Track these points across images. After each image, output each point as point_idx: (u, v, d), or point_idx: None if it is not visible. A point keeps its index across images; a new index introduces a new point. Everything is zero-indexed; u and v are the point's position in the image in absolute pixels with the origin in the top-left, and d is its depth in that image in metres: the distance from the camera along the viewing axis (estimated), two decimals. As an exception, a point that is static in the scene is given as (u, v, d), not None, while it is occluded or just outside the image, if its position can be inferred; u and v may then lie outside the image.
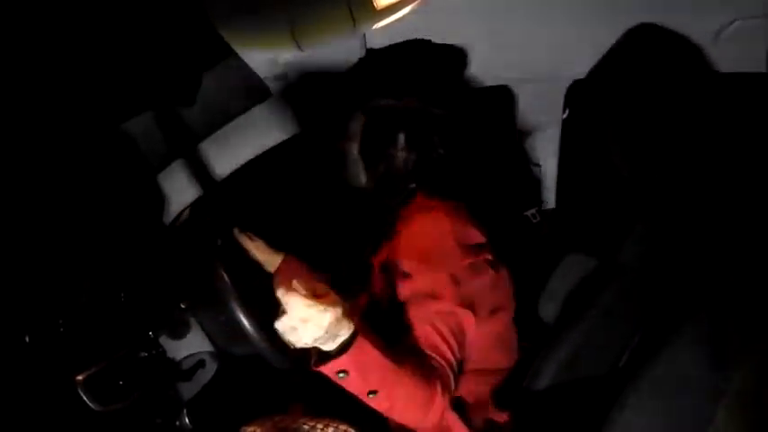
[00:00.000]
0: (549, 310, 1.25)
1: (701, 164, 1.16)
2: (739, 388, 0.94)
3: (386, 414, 0.96)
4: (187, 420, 1.31)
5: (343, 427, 1.11)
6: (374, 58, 1.23)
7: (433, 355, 0.95)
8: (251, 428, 1.09)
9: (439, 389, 0.92)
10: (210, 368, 1.31)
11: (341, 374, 0.86)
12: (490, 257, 1.06)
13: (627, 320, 1.09)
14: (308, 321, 0.78)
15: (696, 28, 1.11)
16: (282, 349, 1.19)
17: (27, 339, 1.07)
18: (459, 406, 1.05)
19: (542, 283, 1.26)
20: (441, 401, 0.92)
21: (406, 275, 1.02)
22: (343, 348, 0.83)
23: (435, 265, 0.99)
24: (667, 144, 1.14)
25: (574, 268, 1.22)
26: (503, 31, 1.20)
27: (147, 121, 1.28)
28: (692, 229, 1.14)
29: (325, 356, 0.85)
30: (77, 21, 0.94)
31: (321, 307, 0.78)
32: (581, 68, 1.25)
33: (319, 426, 1.11)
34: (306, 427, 1.10)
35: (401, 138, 1.13)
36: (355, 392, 0.89)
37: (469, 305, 1.00)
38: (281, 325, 0.80)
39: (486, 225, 1.10)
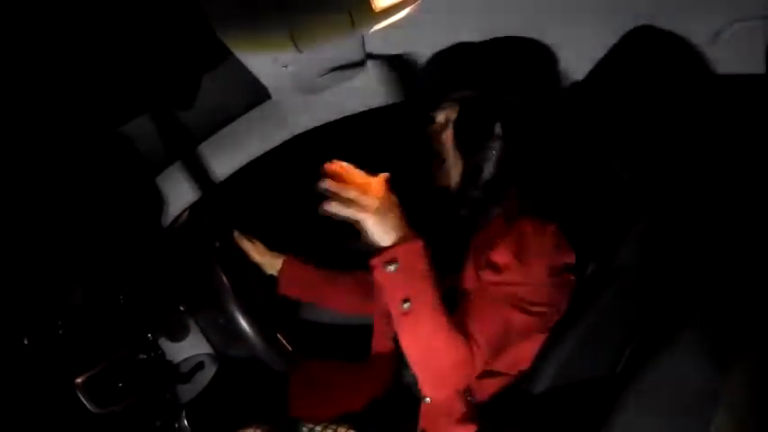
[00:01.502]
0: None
1: (700, 166, 1.16)
2: (738, 389, 0.94)
3: (409, 349, 0.95)
4: (186, 422, 1.31)
5: (342, 429, 1.12)
6: (454, 51, 1.21)
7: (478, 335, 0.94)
8: (251, 430, 1.09)
9: (463, 354, 0.92)
10: (209, 370, 1.31)
11: (390, 266, 0.89)
12: (572, 277, 1.06)
13: (626, 322, 1.09)
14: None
15: (695, 29, 1.11)
16: (280, 351, 1.20)
17: (26, 341, 1.07)
18: (478, 407, 1.06)
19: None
20: (471, 364, 0.92)
21: (493, 266, 1.00)
22: (400, 241, 0.89)
23: (525, 272, 0.98)
24: (666, 146, 1.14)
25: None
26: (502, 33, 1.20)
27: (145, 124, 1.28)
28: (691, 230, 1.14)
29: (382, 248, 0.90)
30: (77, 22, 0.94)
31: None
32: (579, 70, 1.25)
33: (318, 428, 1.11)
34: (305, 429, 1.10)
35: (498, 128, 1.10)
36: (391, 299, 0.92)
37: (540, 317, 1.00)
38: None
39: None
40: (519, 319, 0.97)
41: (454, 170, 1.14)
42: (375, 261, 0.91)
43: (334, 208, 0.87)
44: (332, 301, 1.47)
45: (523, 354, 1.06)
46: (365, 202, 0.87)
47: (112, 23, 0.98)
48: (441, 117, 1.16)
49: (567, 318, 1.10)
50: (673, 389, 0.94)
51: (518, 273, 0.98)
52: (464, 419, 1.05)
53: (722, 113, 1.17)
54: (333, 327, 1.70)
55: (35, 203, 1.14)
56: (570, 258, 1.04)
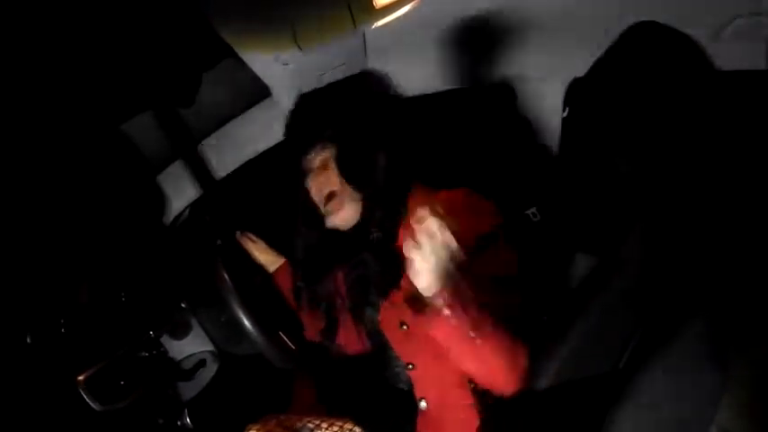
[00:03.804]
0: (549, 307, 1.25)
1: (701, 162, 1.15)
2: (740, 387, 0.94)
3: (473, 368, 0.94)
4: (188, 420, 1.32)
5: (348, 425, 1.12)
6: (315, 95, 1.26)
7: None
8: (256, 426, 1.09)
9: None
10: (211, 368, 1.32)
11: (446, 308, 0.85)
12: (502, 233, 1.04)
13: (628, 319, 1.09)
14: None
15: (696, 25, 1.10)
16: (283, 348, 1.20)
17: (28, 339, 1.08)
18: (483, 402, 1.06)
19: (543, 281, 1.26)
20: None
21: None
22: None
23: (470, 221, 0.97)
24: (667, 142, 1.14)
25: (574, 266, 1.22)
26: (502, 29, 1.19)
27: (146, 122, 1.28)
28: (693, 227, 1.14)
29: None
30: (78, 22, 0.94)
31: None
32: (581, 66, 1.25)
33: (324, 425, 1.11)
34: (310, 425, 1.10)
35: (381, 156, 1.13)
36: (456, 333, 0.88)
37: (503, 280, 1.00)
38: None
39: None
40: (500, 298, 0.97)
41: (354, 204, 1.15)
42: (435, 306, 0.86)
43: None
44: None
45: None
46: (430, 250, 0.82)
47: (113, 23, 0.98)
48: (316, 162, 1.18)
49: (568, 316, 1.10)
50: (675, 387, 0.94)
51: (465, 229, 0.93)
52: (466, 421, 1.05)
53: (723, 109, 1.17)
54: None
55: (37, 202, 1.14)
56: (492, 209, 1.04)
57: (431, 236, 0.81)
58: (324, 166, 1.18)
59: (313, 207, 1.21)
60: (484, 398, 1.06)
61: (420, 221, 0.81)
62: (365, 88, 1.28)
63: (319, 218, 1.20)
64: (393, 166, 1.13)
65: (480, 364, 0.93)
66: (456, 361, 0.94)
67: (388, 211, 1.12)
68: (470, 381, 1.05)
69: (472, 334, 0.88)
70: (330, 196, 1.16)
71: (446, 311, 0.85)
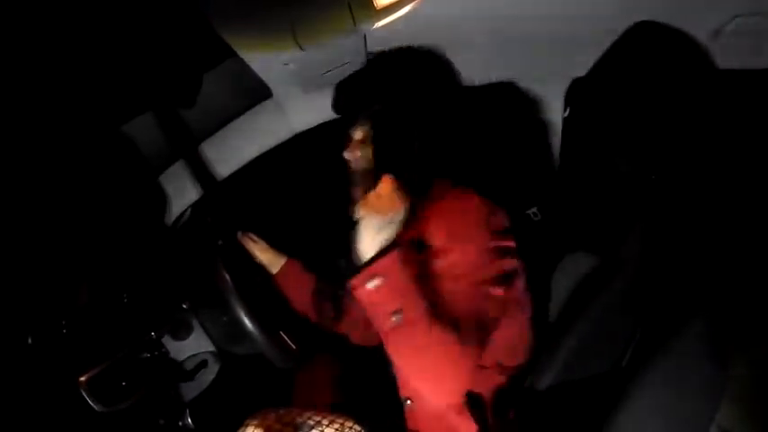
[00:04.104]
0: (551, 308, 1.25)
1: (701, 161, 1.16)
2: (740, 387, 0.95)
3: (404, 365, 0.95)
4: (190, 420, 1.32)
5: (348, 423, 1.12)
6: (371, 65, 1.24)
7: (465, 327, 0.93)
8: (255, 421, 1.09)
9: (471, 352, 0.91)
10: (213, 368, 1.31)
11: (371, 282, 0.91)
12: (513, 246, 1.04)
13: (628, 319, 1.09)
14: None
15: (696, 24, 1.11)
16: (284, 348, 1.20)
17: (30, 340, 1.08)
18: (476, 404, 1.05)
19: (544, 281, 1.26)
20: (472, 366, 0.91)
21: (436, 251, 1.00)
22: (383, 252, 0.92)
23: (464, 241, 0.97)
24: (668, 142, 1.14)
25: (575, 266, 1.22)
26: (503, 30, 1.20)
27: (148, 123, 1.28)
28: (693, 226, 1.14)
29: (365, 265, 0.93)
30: (79, 22, 0.94)
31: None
32: (581, 66, 1.25)
33: (324, 421, 1.11)
34: (311, 422, 1.11)
35: (415, 139, 1.12)
36: (380, 313, 0.92)
37: (495, 285, 0.98)
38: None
39: None
40: (492, 303, 0.96)
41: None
42: (355, 282, 0.92)
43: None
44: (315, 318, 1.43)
45: (506, 336, 1.04)
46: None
47: (114, 23, 0.98)
48: (358, 134, 1.17)
49: (570, 315, 1.10)
50: (675, 386, 0.94)
51: (459, 251, 0.97)
52: (457, 414, 1.05)
53: (723, 109, 1.17)
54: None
55: (38, 203, 1.14)
56: (505, 222, 1.03)
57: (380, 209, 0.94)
58: (363, 140, 1.16)
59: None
60: (474, 399, 1.06)
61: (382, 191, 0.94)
62: (426, 72, 1.25)
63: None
64: (424, 158, 1.12)
65: (410, 357, 0.93)
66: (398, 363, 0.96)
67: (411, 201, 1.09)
68: None
69: (395, 316, 0.90)
70: (363, 174, 1.15)
71: (372, 284, 0.91)
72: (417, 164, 1.11)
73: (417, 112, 1.14)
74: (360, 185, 1.15)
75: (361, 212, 0.96)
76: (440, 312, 0.91)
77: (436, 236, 1.00)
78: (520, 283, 1.06)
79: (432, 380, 0.91)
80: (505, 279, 1.00)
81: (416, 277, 0.92)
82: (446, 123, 1.17)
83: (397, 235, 0.99)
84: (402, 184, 0.99)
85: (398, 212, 0.96)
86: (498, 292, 0.97)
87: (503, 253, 1.01)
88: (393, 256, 0.92)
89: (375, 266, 0.91)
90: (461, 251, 0.97)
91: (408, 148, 1.12)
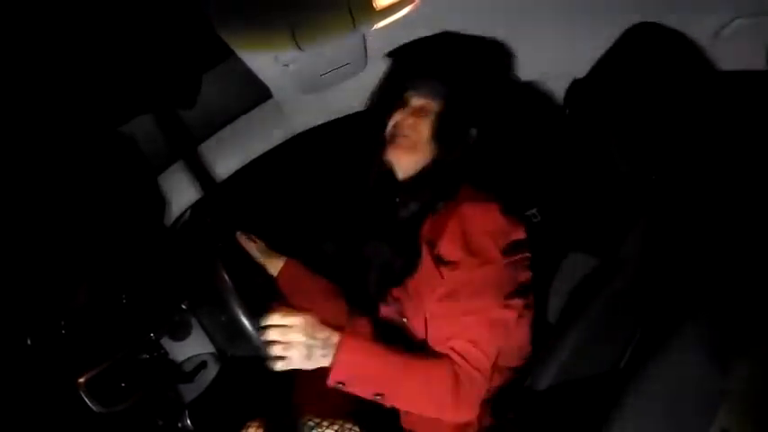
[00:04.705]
0: (551, 308, 1.25)
1: (701, 162, 1.15)
2: (740, 387, 0.94)
3: (407, 414, 1.04)
4: (189, 422, 1.31)
5: (348, 424, 1.12)
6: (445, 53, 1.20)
7: (456, 354, 0.96)
8: (255, 424, 1.09)
9: (451, 385, 0.93)
10: (212, 369, 1.31)
11: (339, 385, 0.97)
12: (528, 254, 1.05)
13: (628, 320, 1.09)
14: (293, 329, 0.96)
15: (696, 26, 1.11)
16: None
17: (29, 341, 1.07)
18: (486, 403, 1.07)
19: (544, 281, 1.26)
20: (461, 398, 0.94)
21: (448, 263, 1.00)
22: (334, 360, 0.96)
23: (479, 257, 0.97)
24: (667, 143, 1.14)
25: (574, 267, 1.22)
26: (502, 30, 1.20)
27: (147, 123, 1.28)
28: (693, 227, 1.14)
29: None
30: (79, 23, 0.94)
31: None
32: (581, 67, 1.25)
33: (324, 423, 1.11)
34: (311, 423, 1.10)
35: (473, 132, 1.12)
36: (365, 397, 0.97)
37: (509, 304, 0.99)
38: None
39: None
40: (497, 316, 0.97)
41: (422, 154, 1.12)
42: (330, 384, 0.97)
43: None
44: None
45: (515, 342, 1.06)
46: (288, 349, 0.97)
47: (114, 24, 0.98)
48: (418, 102, 1.14)
49: (570, 316, 1.10)
50: (675, 387, 0.94)
51: (472, 265, 0.97)
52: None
53: (723, 109, 1.17)
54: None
55: (37, 203, 1.14)
56: (520, 234, 1.03)
57: (283, 333, 0.96)
58: (422, 110, 1.13)
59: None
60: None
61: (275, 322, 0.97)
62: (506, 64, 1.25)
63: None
64: (474, 148, 1.12)
65: (410, 410, 1.02)
66: None
67: (437, 190, 1.09)
68: None
69: (378, 397, 0.96)
70: (407, 135, 1.12)
71: (342, 386, 0.97)
72: (468, 153, 1.11)
73: (485, 100, 1.13)
74: (399, 143, 1.12)
75: (283, 357, 0.98)
76: (414, 357, 0.97)
77: (451, 243, 1.00)
78: (531, 290, 1.07)
79: (435, 412, 0.98)
80: (522, 292, 1.02)
81: (377, 350, 0.97)
82: (503, 117, 1.17)
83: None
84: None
85: (306, 328, 0.97)
86: (514, 306, 0.99)
87: (517, 267, 1.02)
88: (341, 364, 0.95)
89: (335, 374, 0.96)
90: (476, 273, 0.97)
91: (465, 134, 1.11)
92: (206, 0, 0.94)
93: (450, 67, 1.14)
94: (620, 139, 1.14)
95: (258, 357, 1.18)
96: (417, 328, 1.07)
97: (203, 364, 1.30)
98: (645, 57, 1.15)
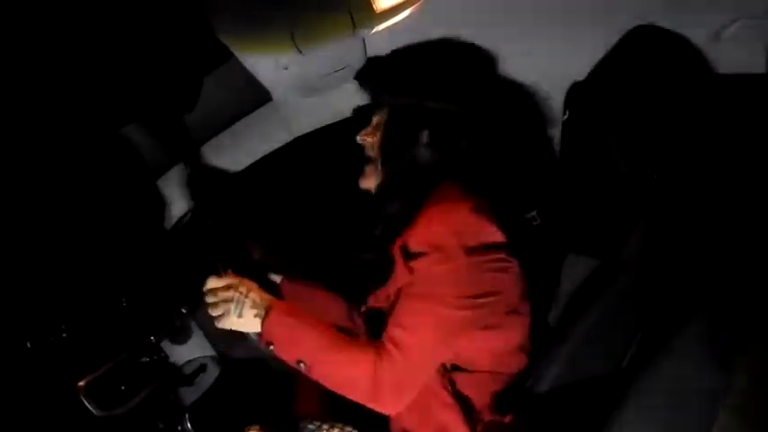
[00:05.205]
0: (551, 311, 1.25)
1: (701, 165, 1.16)
2: (741, 388, 0.94)
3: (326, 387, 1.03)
4: (189, 425, 1.31)
5: (348, 427, 1.11)
6: (394, 56, 1.20)
7: (389, 341, 0.97)
8: (255, 428, 1.09)
9: (370, 370, 0.95)
10: (212, 372, 1.31)
11: (270, 345, 1.04)
12: (503, 257, 1.01)
13: (629, 321, 1.09)
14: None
15: (696, 28, 1.11)
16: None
17: (29, 345, 1.07)
18: (465, 406, 1.05)
19: (544, 284, 1.26)
20: (379, 384, 0.95)
21: (413, 256, 1.00)
22: (264, 321, 1.04)
23: (441, 253, 0.96)
24: (667, 145, 1.14)
25: (575, 268, 1.22)
26: (502, 33, 1.20)
27: (147, 126, 1.28)
28: (693, 229, 1.14)
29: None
30: (79, 24, 0.94)
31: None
32: (580, 69, 1.25)
33: (325, 426, 1.11)
34: (311, 426, 1.10)
35: (424, 135, 1.09)
36: (288, 362, 1.03)
37: (464, 305, 0.98)
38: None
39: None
40: (445, 314, 0.96)
41: (377, 173, 1.13)
42: (262, 345, 1.05)
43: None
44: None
45: (480, 347, 1.04)
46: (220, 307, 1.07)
47: (114, 25, 0.99)
48: (375, 120, 1.17)
49: (570, 318, 1.10)
50: (675, 388, 0.94)
51: (432, 260, 0.97)
52: (443, 408, 1.04)
53: (722, 112, 1.17)
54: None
55: (38, 206, 1.14)
56: (494, 237, 1.00)
57: (215, 292, 1.07)
58: (377, 126, 1.16)
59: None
60: (467, 405, 1.05)
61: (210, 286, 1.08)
62: (465, 64, 1.22)
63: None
64: (431, 151, 1.09)
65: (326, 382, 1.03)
66: None
67: (404, 200, 1.09)
68: (451, 382, 1.05)
69: (300, 364, 1.02)
70: (369, 155, 1.16)
71: (271, 347, 1.04)
72: (423, 157, 1.09)
73: (471, 111, 1.11)
74: (365, 170, 1.15)
75: (215, 312, 1.07)
76: (342, 336, 1.03)
77: (416, 240, 1.00)
78: (513, 293, 1.04)
79: (353, 395, 1.00)
80: (488, 295, 0.99)
81: (308, 320, 1.04)
82: (492, 126, 1.15)
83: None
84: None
85: (240, 288, 1.08)
86: (465, 311, 0.98)
87: (484, 269, 0.99)
88: (269, 325, 1.04)
89: (265, 334, 1.04)
90: (434, 272, 0.97)
91: (415, 137, 1.09)
92: (206, 3, 0.94)
93: (397, 76, 1.14)
94: (621, 140, 1.14)
95: (258, 360, 1.18)
96: None
97: (203, 368, 1.30)
98: (645, 58, 1.15)
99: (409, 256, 1.01)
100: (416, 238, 1.00)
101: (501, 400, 1.09)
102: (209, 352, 1.30)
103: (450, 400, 1.03)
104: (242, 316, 1.05)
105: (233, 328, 1.07)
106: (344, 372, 0.99)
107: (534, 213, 1.40)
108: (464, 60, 1.22)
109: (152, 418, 1.25)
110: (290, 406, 1.28)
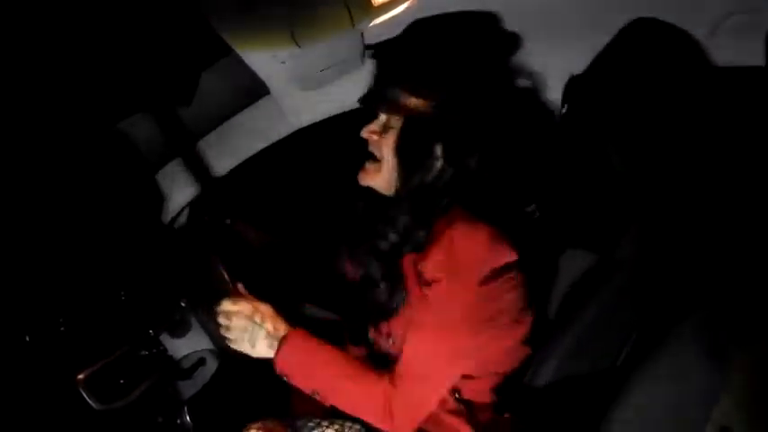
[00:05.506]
0: (548, 307, 1.25)
1: (698, 160, 1.15)
2: (739, 384, 0.94)
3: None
4: (188, 418, 1.32)
5: (348, 423, 1.12)
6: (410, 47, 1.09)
7: (405, 376, 0.97)
8: (256, 425, 1.09)
9: (381, 406, 0.97)
10: (211, 366, 1.31)
11: (284, 378, 1.03)
12: (513, 275, 0.99)
13: (625, 317, 1.09)
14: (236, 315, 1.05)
15: (694, 21, 1.10)
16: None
17: (27, 338, 1.08)
18: (468, 408, 1.06)
19: (541, 281, 1.26)
20: (390, 417, 0.97)
21: (431, 283, 0.97)
22: (276, 354, 1.03)
23: (460, 284, 0.95)
24: (665, 140, 1.14)
25: (572, 265, 1.22)
26: (499, 27, 1.19)
27: (145, 120, 1.28)
28: (690, 225, 1.14)
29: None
30: (78, 21, 0.94)
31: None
32: (578, 63, 1.24)
33: (324, 422, 1.11)
34: (311, 423, 1.11)
35: (438, 149, 1.01)
36: (305, 392, 1.03)
37: (480, 329, 0.99)
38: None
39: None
40: (459, 344, 0.97)
41: (388, 175, 1.05)
42: (278, 373, 1.04)
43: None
44: None
45: (485, 358, 1.05)
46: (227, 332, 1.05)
47: (112, 22, 0.98)
48: (382, 117, 1.05)
49: (567, 315, 1.10)
50: (673, 385, 0.94)
51: (448, 290, 0.95)
52: (448, 413, 1.05)
53: (720, 106, 1.17)
54: (336, 323, 1.70)
55: (36, 201, 1.14)
56: (509, 257, 0.96)
57: (227, 317, 1.05)
58: (386, 126, 1.04)
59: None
60: (470, 406, 1.06)
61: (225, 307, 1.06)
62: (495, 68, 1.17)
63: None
64: (447, 167, 1.02)
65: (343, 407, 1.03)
66: None
67: (416, 217, 1.03)
68: (455, 389, 1.05)
69: (315, 395, 1.02)
70: (372, 155, 1.07)
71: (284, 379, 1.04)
72: (437, 174, 1.02)
73: (485, 122, 1.03)
74: (366, 166, 1.07)
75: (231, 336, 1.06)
76: (354, 366, 1.02)
77: (433, 267, 0.97)
78: (521, 304, 1.04)
79: (362, 416, 1.02)
80: (499, 312, 1.00)
81: (321, 352, 1.03)
82: (505, 137, 1.09)
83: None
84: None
85: (253, 316, 1.05)
86: (483, 331, 0.99)
87: (500, 290, 0.98)
88: (283, 358, 1.02)
89: (278, 366, 1.03)
90: (450, 289, 0.95)
91: (428, 163, 1.01)
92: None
93: (420, 74, 1.01)
94: (617, 136, 1.14)
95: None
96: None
97: (202, 361, 1.31)
98: (642, 53, 1.15)
99: (424, 282, 0.98)
100: (434, 263, 0.97)
101: (500, 398, 1.09)
102: (208, 345, 1.30)
103: (455, 405, 1.05)
104: (255, 346, 1.04)
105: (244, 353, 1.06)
106: (358, 401, 1.00)
107: (534, 207, 1.40)
108: (479, 65, 1.09)
109: (151, 411, 1.26)
110: (289, 400, 1.29)
